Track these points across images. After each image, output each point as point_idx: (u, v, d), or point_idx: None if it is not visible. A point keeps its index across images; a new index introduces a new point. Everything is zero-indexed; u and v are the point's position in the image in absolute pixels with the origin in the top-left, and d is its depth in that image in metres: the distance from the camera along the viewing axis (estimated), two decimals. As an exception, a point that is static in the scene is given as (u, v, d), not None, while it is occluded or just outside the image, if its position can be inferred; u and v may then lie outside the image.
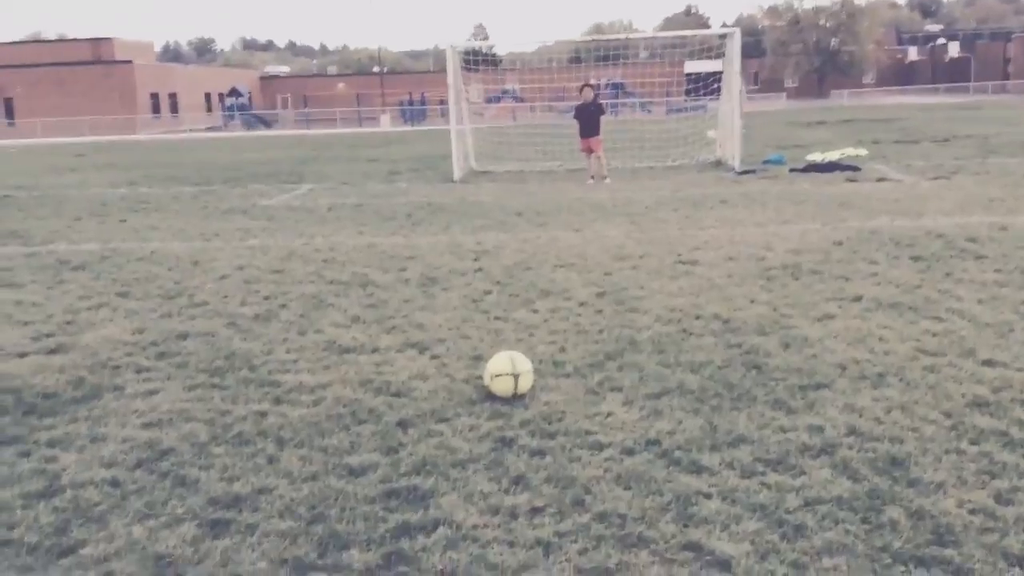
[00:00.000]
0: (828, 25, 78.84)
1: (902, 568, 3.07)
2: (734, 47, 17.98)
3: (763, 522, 3.40)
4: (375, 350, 5.85)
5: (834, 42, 78.58)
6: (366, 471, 4.00)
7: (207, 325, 6.63)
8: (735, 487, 3.71)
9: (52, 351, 6.08)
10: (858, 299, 6.65)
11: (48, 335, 6.49)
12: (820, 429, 4.26)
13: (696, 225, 10.48)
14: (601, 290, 7.27)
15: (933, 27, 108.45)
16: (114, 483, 3.97)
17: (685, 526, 3.40)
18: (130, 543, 3.43)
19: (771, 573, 3.05)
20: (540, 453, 4.13)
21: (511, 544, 3.32)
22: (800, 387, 4.84)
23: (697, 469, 3.90)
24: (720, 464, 3.93)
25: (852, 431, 4.23)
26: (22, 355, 6.00)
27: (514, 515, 3.55)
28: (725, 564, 3.12)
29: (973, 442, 4.05)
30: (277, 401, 4.95)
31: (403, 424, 4.54)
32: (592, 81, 20.53)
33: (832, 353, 5.40)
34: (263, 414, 4.75)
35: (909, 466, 3.83)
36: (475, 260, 8.78)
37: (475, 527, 3.45)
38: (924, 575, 3.03)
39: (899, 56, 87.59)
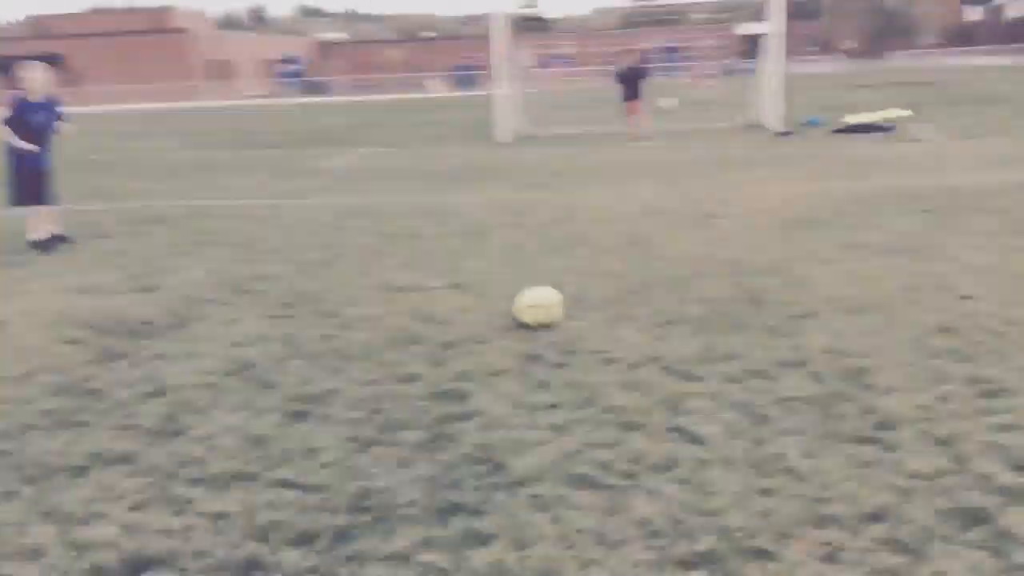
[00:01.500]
0: (887, -15, 77.35)
1: (844, 445, 3.82)
2: (772, 9, 18.43)
3: (737, 413, 4.17)
4: (424, 289, 6.68)
5: (892, 1, 77.11)
6: (416, 379, 4.83)
7: (278, 269, 7.53)
8: (720, 391, 4.47)
9: (145, 289, 7.02)
10: (861, 246, 7.31)
11: (140, 276, 7.44)
12: (800, 348, 5.00)
13: (725, 184, 11.13)
14: (627, 240, 8.02)
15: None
16: (210, 386, 4.86)
17: (673, 415, 4.18)
18: (228, 427, 4.31)
19: (735, 445, 3.83)
20: (561, 366, 4.93)
21: (531, 427, 4.14)
22: (790, 316, 5.57)
23: (690, 378, 4.66)
24: (711, 374, 4.69)
25: (827, 350, 4.95)
26: (121, 292, 6.95)
27: (535, 408, 4.35)
28: (700, 439, 3.90)
29: (931, 357, 4.76)
30: (341, 327, 5.81)
31: (447, 345, 5.37)
32: (634, 46, 21.02)
33: (825, 290, 6.10)
34: (330, 337, 5.61)
35: (869, 374, 4.56)
36: (514, 216, 9.56)
37: (503, 416, 4.27)
38: (861, 450, 3.77)
39: (959, 17, 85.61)
